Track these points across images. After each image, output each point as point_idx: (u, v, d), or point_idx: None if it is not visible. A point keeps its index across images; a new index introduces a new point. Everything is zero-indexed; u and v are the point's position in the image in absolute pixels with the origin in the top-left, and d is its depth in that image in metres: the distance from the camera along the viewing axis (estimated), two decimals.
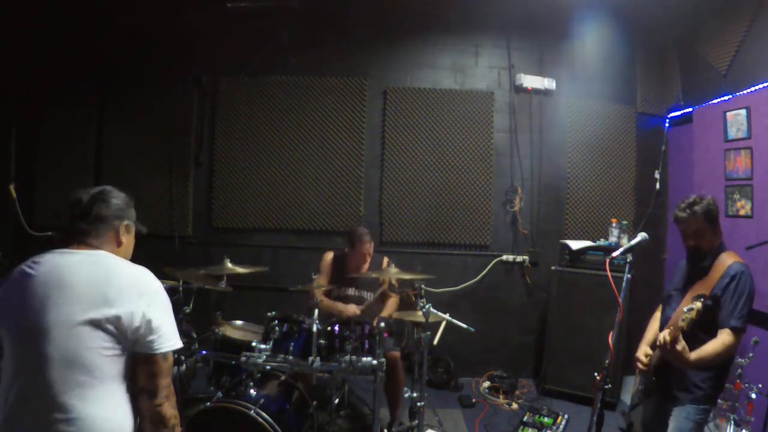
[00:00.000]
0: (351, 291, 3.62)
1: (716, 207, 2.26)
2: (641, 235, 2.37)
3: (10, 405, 1.38)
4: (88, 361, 1.38)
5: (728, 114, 3.71)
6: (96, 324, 1.39)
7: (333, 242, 4.49)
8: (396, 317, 3.37)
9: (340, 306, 3.44)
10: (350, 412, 3.60)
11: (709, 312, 2.10)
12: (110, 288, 1.43)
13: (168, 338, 1.50)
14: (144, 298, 1.46)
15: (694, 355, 2.04)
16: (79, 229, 1.53)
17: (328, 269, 3.67)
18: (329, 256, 3.73)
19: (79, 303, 1.40)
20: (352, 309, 3.40)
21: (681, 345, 1.99)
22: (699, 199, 2.25)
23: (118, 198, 1.60)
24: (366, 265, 3.65)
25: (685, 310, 1.99)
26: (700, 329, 2.07)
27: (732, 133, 3.69)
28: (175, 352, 1.53)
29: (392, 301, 3.61)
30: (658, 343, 2.09)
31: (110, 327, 1.40)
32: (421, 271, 3.16)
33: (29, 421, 1.36)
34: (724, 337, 2.10)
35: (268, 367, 2.73)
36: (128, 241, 1.63)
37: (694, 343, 2.06)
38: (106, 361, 1.41)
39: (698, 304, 1.97)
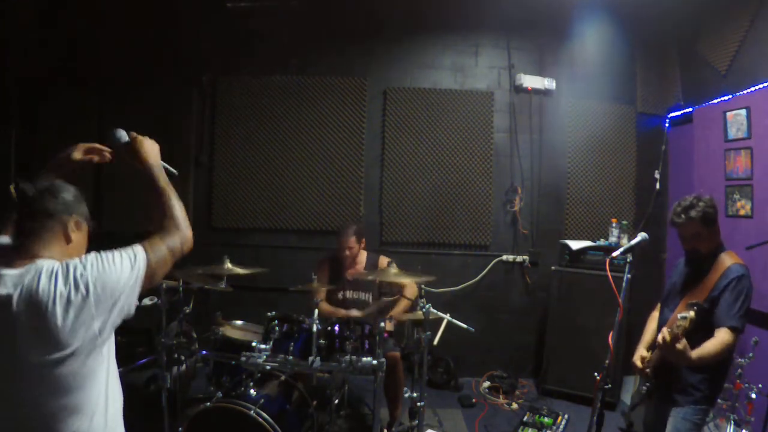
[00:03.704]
0: (349, 293, 3.61)
1: (714, 208, 2.21)
2: (641, 235, 2.37)
3: None
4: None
5: (728, 114, 3.71)
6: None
7: (333, 242, 4.47)
8: (397, 318, 3.37)
9: (341, 312, 3.45)
10: (350, 412, 3.60)
11: (706, 314, 2.09)
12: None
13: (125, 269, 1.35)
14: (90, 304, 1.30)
15: (695, 354, 2.02)
16: (25, 230, 1.39)
17: (325, 272, 3.67)
18: (323, 259, 3.75)
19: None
20: (354, 313, 3.42)
21: (682, 344, 1.97)
22: (696, 201, 2.20)
23: (67, 192, 1.46)
24: (361, 266, 3.64)
25: (679, 317, 1.97)
26: (699, 330, 2.05)
27: (732, 133, 3.69)
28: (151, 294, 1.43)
29: (403, 303, 3.60)
30: (657, 342, 2.09)
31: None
32: (421, 271, 3.15)
33: None
34: (722, 336, 2.08)
35: (268, 367, 2.73)
36: (79, 238, 1.47)
37: (692, 344, 2.05)
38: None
39: (691, 314, 1.94)
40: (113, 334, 1.41)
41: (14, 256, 1.35)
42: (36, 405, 1.28)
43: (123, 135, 1.77)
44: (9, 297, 1.26)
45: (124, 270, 1.36)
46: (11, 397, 1.28)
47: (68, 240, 1.43)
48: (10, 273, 1.30)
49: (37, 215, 1.39)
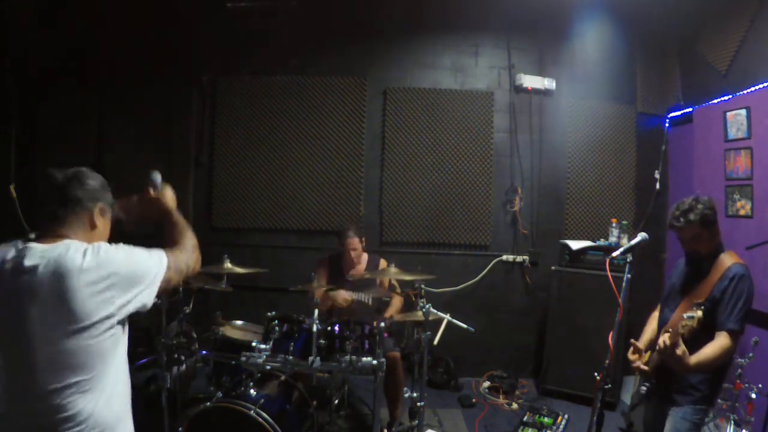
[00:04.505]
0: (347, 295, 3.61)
1: (713, 210, 2.20)
2: (641, 235, 2.36)
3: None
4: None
5: (728, 114, 3.71)
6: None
7: (333, 242, 4.46)
8: (396, 318, 3.37)
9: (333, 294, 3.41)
10: (350, 412, 3.60)
11: (708, 315, 2.09)
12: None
13: (151, 275, 1.47)
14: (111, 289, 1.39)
15: (693, 360, 2.01)
16: (51, 213, 1.44)
17: (325, 272, 3.67)
18: (323, 260, 3.75)
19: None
20: (342, 295, 3.38)
21: (681, 350, 1.97)
22: (694, 203, 2.19)
23: (94, 179, 1.51)
24: (362, 266, 3.64)
25: (685, 317, 1.96)
26: (701, 331, 2.05)
27: (732, 133, 3.69)
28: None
29: (396, 301, 3.61)
30: (657, 346, 2.08)
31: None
32: (421, 271, 3.16)
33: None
34: (721, 341, 2.08)
35: (268, 367, 2.73)
36: (103, 224, 1.53)
37: (694, 343, 2.05)
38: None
39: (699, 313, 1.94)
40: (126, 334, 1.49)
41: (41, 237, 1.42)
42: (44, 378, 1.31)
43: (158, 178, 1.87)
44: (35, 267, 1.32)
45: (150, 263, 1.48)
46: (21, 368, 1.32)
47: (93, 226, 1.50)
48: (38, 246, 1.37)
49: (64, 201, 1.45)
